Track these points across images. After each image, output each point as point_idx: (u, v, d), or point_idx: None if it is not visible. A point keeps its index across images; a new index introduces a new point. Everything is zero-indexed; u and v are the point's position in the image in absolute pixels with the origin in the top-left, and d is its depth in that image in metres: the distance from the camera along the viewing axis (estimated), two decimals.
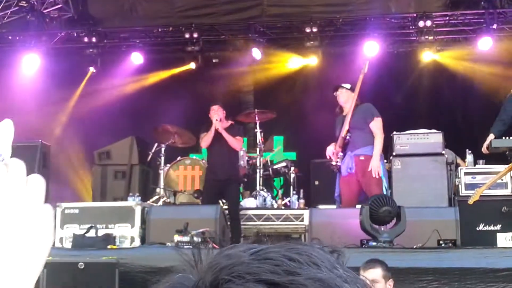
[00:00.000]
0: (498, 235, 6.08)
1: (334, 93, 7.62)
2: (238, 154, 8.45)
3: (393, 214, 6.34)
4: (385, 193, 7.06)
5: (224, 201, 8.06)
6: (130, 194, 8.14)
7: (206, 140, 8.26)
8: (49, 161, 8.87)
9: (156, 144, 8.88)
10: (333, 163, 7.30)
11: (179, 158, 8.87)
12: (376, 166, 7.06)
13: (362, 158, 7.15)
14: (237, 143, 8.17)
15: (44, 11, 12.18)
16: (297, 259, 0.75)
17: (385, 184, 7.18)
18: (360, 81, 7.47)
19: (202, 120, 11.03)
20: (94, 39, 11.57)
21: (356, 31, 11.37)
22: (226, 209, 7.69)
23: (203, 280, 0.75)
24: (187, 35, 11.48)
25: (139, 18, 11.96)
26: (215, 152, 8.26)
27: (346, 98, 7.46)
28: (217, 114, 8.16)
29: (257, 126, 8.86)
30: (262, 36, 11.64)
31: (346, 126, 7.25)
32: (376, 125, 7.30)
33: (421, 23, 10.92)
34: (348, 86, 7.57)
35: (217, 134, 8.09)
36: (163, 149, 8.75)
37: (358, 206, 6.78)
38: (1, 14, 12.24)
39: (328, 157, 7.39)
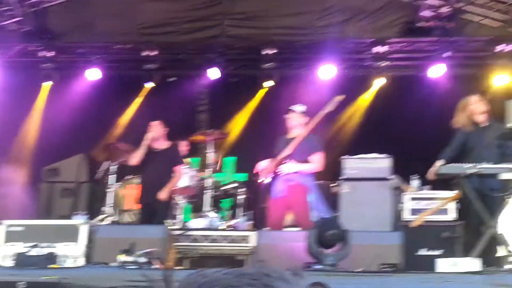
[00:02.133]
0: (438, 260, 6.17)
1: (285, 115, 7.66)
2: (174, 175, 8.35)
3: (339, 238, 6.41)
4: (313, 219, 7.14)
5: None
6: (77, 212, 8.07)
7: (135, 157, 8.19)
8: None
9: (106, 162, 8.84)
10: (260, 180, 7.36)
11: (128, 176, 8.83)
12: (288, 168, 7.19)
13: (291, 183, 7.24)
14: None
15: (2, 24, 12.07)
16: (270, 275, 0.84)
17: (313, 210, 7.25)
18: (320, 116, 7.48)
19: None
20: (51, 54, 11.52)
21: (313, 54, 11.52)
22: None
23: None
24: (146, 53, 11.50)
25: (99, 34, 11.91)
26: (149, 171, 8.19)
27: (296, 122, 7.52)
28: (154, 131, 8.19)
29: (210, 146, 8.87)
30: (220, 56, 11.71)
31: (289, 150, 7.31)
32: (318, 159, 7.43)
33: (376, 49, 11.13)
34: (300, 109, 7.61)
35: (154, 154, 8.10)
36: (113, 168, 8.71)
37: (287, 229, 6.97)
38: None
39: (258, 171, 7.44)
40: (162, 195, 8.02)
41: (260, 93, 11.67)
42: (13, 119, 11.38)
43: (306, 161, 7.33)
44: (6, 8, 11.85)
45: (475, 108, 7.27)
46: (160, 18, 12.11)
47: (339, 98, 7.57)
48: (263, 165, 7.46)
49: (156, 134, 8.21)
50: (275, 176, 7.33)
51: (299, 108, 7.62)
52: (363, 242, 6.69)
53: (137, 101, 11.60)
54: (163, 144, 8.31)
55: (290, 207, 7.24)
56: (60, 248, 6.75)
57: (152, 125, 8.26)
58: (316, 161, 7.42)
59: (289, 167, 7.31)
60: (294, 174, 7.31)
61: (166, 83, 11.83)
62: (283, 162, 7.32)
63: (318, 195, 7.42)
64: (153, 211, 8.05)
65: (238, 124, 11.26)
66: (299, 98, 9.81)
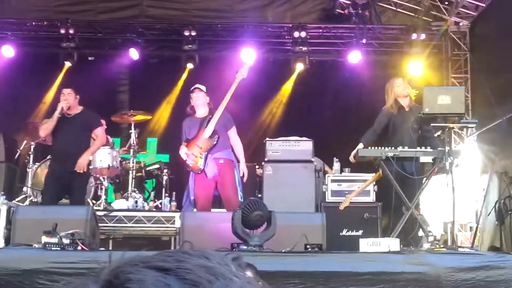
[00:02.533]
0: (361, 240, 6.37)
1: (191, 95, 7.59)
2: (90, 144, 7.75)
3: (264, 219, 6.48)
4: (240, 200, 7.21)
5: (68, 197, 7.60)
6: None
7: (46, 127, 7.55)
8: None
9: (24, 142, 8.57)
10: (192, 163, 7.30)
11: (49, 157, 8.59)
12: (246, 171, 7.26)
13: (221, 161, 7.26)
14: (102, 137, 7.73)
15: None
16: (189, 253, 0.81)
17: (240, 192, 7.32)
18: (235, 85, 7.51)
19: None
20: None
21: (234, 38, 11.56)
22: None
23: (102, 275, 0.81)
24: (62, 31, 11.19)
25: (12, 9, 11.48)
26: (62, 140, 7.57)
27: (203, 101, 7.51)
28: (67, 99, 7.61)
29: (132, 127, 8.77)
30: (140, 36, 11.56)
31: (211, 128, 7.28)
32: (235, 133, 7.50)
33: (296, 34, 11.30)
34: (204, 88, 7.59)
35: (66, 121, 7.51)
36: (32, 147, 8.46)
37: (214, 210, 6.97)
38: None
39: (184, 158, 7.37)
40: (81, 164, 7.39)
41: (182, 75, 11.59)
42: None
43: (224, 135, 7.33)
44: None
45: (399, 91, 7.51)
46: None
47: (247, 66, 7.63)
48: (184, 151, 7.34)
49: (69, 103, 7.59)
50: (206, 156, 7.28)
51: (203, 86, 7.60)
52: (287, 223, 6.80)
53: (57, 80, 11.25)
54: (75, 110, 7.70)
55: (219, 184, 7.22)
56: None
57: (64, 93, 7.69)
58: (236, 135, 7.48)
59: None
60: (220, 152, 7.30)
61: (86, 62, 11.56)
62: (213, 141, 7.28)
63: (238, 172, 7.47)
64: (67, 184, 7.44)
65: (160, 105, 11.16)
66: (220, 80, 9.85)
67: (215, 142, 7.25)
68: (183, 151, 7.33)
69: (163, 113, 10.95)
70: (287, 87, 11.61)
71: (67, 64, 11.16)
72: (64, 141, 7.52)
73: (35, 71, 11.19)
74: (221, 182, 7.22)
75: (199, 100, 7.45)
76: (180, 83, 11.61)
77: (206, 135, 7.24)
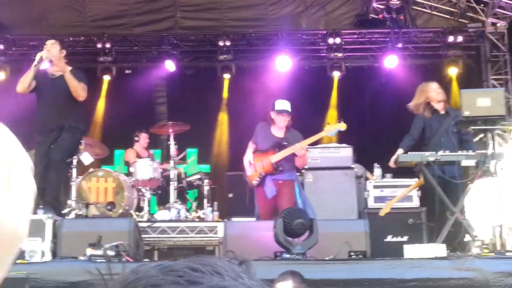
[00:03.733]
0: (405, 246, 6.31)
1: (277, 114, 7.11)
2: (79, 105, 6.84)
3: (306, 227, 6.47)
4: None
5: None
6: (41, 206, 7.90)
7: (21, 81, 6.63)
8: None
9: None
10: (249, 176, 7.24)
11: (91, 170, 8.69)
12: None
13: (280, 182, 7.19)
14: (81, 89, 6.63)
15: None
16: (200, 270, 0.77)
17: (299, 202, 7.25)
18: (318, 136, 7.28)
19: (115, 131, 10.92)
20: (1, 46, 11.27)
21: (269, 46, 11.60)
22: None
23: None
24: (99, 46, 11.37)
25: (49, 26, 11.69)
26: (45, 106, 6.66)
27: (287, 124, 7.29)
28: (49, 50, 6.61)
29: (171, 138, 8.82)
30: (175, 48, 11.67)
31: (280, 156, 7.10)
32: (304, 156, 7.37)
33: (330, 40, 11.29)
34: (290, 108, 7.32)
35: (51, 82, 6.63)
36: (75, 161, 8.54)
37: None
38: None
39: (249, 163, 7.26)
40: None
41: (220, 85, 11.66)
42: None
43: (289, 157, 7.18)
44: None
45: (433, 96, 7.44)
46: (111, 11, 12.01)
47: (342, 127, 7.32)
48: (250, 158, 7.25)
49: (51, 55, 6.59)
50: (265, 176, 7.19)
51: (289, 106, 7.33)
52: (330, 230, 6.77)
53: (101, 95, 11.44)
54: (61, 70, 6.65)
55: (281, 201, 7.17)
56: (26, 243, 6.61)
57: (47, 43, 6.70)
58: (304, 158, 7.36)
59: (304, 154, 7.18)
60: (283, 175, 7.19)
61: (124, 76, 11.71)
62: (275, 170, 7.15)
63: (301, 187, 7.43)
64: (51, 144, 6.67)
65: (198, 115, 11.23)
66: (257, 90, 9.90)
67: (276, 172, 7.14)
68: (248, 158, 7.26)
69: (202, 123, 11.01)
70: (324, 94, 11.57)
71: (106, 78, 11.33)
72: (48, 108, 6.64)
73: None
74: (280, 199, 7.19)
75: (283, 123, 7.25)
76: (225, 94, 11.66)
77: (273, 160, 7.13)
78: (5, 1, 11.69)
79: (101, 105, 11.31)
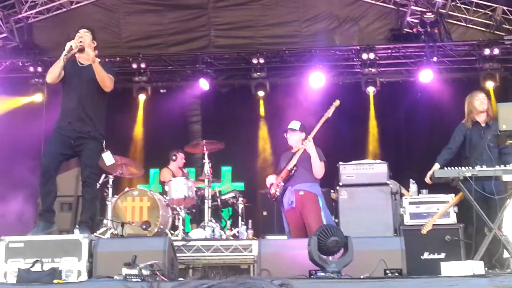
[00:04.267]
0: (442, 263, 6.19)
1: (285, 134, 7.52)
2: (104, 98, 6.69)
3: (340, 244, 6.41)
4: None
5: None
6: (77, 226, 7.99)
7: (51, 71, 6.34)
8: None
9: (103, 175, 8.78)
10: (272, 191, 7.37)
11: (126, 189, 8.78)
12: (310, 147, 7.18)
13: (301, 193, 7.22)
14: (109, 79, 6.45)
15: None
16: None
17: (323, 216, 7.23)
18: (321, 123, 7.40)
19: (150, 150, 11.02)
20: (39, 69, 11.48)
21: (302, 63, 11.61)
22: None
23: None
24: (134, 66, 11.52)
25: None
26: (72, 88, 6.40)
27: (297, 140, 7.47)
28: (82, 37, 6.38)
29: (205, 156, 8.86)
30: (209, 67, 11.75)
31: (294, 161, 7.31)
32: (321, 167, 7.43)
33: (364, 56, 11.24)
34: (297, 126, 7.51)
35: (79, 71, 6.39)
36: (110, 180, 8.66)
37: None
38: None
39: (268, 186, 7.45)
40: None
41: (254, 103, 11.70)
42: (7, 133, 11.25)
43: (309, 169, 7.31)
44: None
45: (476, 105, 7.33)
46: (146, 31, 12.18)
47: (336, 103, 7.55)
48: (271, 179, 7.43)
49: (83, 44, 6.40)
50: (285, 187, 7.32)
51: (296, 125, 7.55)
52: (365, 248, 6.70)
53: (138, 114, 11.58)
54: (90, 59, 6.42)
55: (303, 216, 7.24)
56: (62, 263, 6.68)
57: (80, 31, 6.48)
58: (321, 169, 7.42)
59: (310, 147, 7.24)
60: (303, 184, 7.29)
61: (159, 95, 11.84)
62: (291, 172, 7.30)
63: (324, 202, 7.43)
64: (75, 146, 6.46)
65: (232, 133, 11.26)
66: (291, 107, 9.88)
67: (291, 174, 7.25)
68: (270, 180, 7.40)
69: (237, 141, 11.04)
70: (359, 110, 11.50)
71: (141, 97, 11.47)
72: (74, 96, 6.41)
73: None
74: (303, 213, 7.21)
75: (291, 140, 7.46)
76: (262, 112, 11.68)
77: (288, 167, 7.28)
78: (41, 24, 11.95)
79: (136, 125, 11.43)
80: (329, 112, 7.36)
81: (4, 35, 12.12)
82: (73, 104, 6.39)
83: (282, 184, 7.29)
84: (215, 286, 0.79)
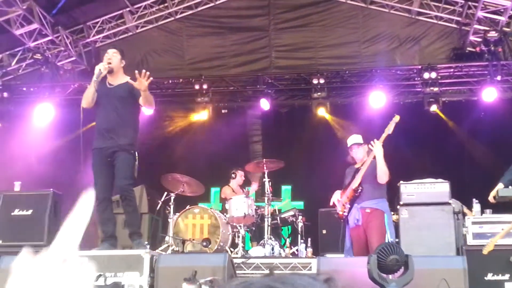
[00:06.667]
0: (506, 284, 6.05)
1: (349, 150, 7.48)
2: (135, 116, 6.60)
3: (400, 263, 6.34)
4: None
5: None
6: (135, 241, 8.11)
7: (85, 96, 6.38)
8: (60, 209, 8.92)
9: (165, 193, 8.94)
10: (339, 211, 7.33)
11: (188, 207, 8.91)
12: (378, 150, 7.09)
13: (368, 210, 7.17)
14: (153, 101, 6.48)
15: (58, 64, 12.48)
16: (275, 286, 0.77)
17: (388, 235, 7.16)
18: (382, 139, 7.39)
19: (211, 169, 11.16)
20: None
21: (363, 83, 11.59)
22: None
23: None
24: (197, 87, 11.75)
25: (150, 70, 12.16)
26: (103, 109, 6.44)
27: (363, 153, 7.45)
28: (110, 59, 6.42)
29: (266, 175, 8.92)
30: (270, 87, 11.87)
31: (358, 179, 7.26)
32: (386, 172, 7.36)
33: (426, 75, 11.14)
34: (361, 140, 7.52)
35: (108, 92, 6.40)
36: (172, 198, 8.81)
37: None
38: (16, 66, 12.53)
39: (332, 203, 7.41)
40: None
41: (313, 122, 11.72)
42: (72, 154, 11.54)
43: (374, 184, 7.24)
44: (61, 49, 12.26)
45: None
46: (208, 53, 12.43)
47: (396, 119, 7.49)
48: (337, 197, 7.40)
49: (112, 65, 6.42)
50: (350, 205, 7.28)
51: (360, 139, 7.53)
52: (426, 267, 6.60)
53: (194, 133, 11.80)
54: (120, 79, 6.45)
55: (367, 233, 7.18)
56: (125, 278, 6.83)
57: (109, 52, 6.52)
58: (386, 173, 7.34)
59: (379, 149, 7.18)
60: (370, 201, 7.24)
61: (220, 115, 12.02)
62: (357, 192, 7.25)
63: (391, 219, 7.35)
64: (110, 163, 6.47)
65: (292, 152, 11.31)
66: (351, 127, 9.86)
67: (357, 194, 7.21)
68: (336, 197, 7.37)
69: (296, 161, 11.07)
70: (420, 129, 11.37)
71: (203, 117, 11.70)
72: (107, 117, 6.40)
73: (172, 125, 11.82)
74: (367, 230, 7.16)
75: (357, 154, 7.43)
76: (321, 130, 11.69)
77: (353, 186, 7.24)
78: (107, 48, 12.29)
79: (198, 144, 11.62)
80: (390, 128, 7.30)
81: (73, 58, 12.57)
82: (106, 125, 6.44)
83: (349, 205, 7.24)
84: (250, 281, 0.80)
